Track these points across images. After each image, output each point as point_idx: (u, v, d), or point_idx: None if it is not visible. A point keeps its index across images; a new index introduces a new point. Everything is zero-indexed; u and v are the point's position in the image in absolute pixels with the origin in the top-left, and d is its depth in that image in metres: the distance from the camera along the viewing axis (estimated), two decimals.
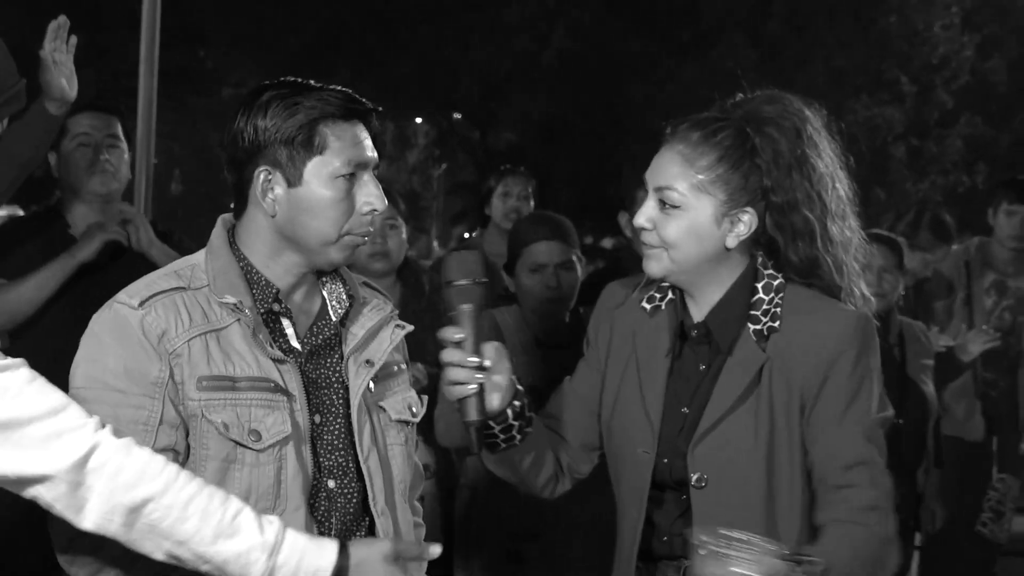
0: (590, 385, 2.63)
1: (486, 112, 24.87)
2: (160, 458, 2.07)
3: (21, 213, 4.55)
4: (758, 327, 2.42)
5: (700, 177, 2.40)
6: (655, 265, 2.46)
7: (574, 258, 3.98)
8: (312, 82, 2.33)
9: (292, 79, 2.33)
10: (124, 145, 4.19)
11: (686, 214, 2.40)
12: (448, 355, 2.35)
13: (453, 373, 2.35)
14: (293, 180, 2.28)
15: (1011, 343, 6.06)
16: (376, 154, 2.34)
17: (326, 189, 2.28)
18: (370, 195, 2.32)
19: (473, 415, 2.37)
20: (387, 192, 4.25)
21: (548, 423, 2.65)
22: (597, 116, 20.05)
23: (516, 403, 2.44)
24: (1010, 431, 6.10)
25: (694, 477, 2.40)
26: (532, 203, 5.70)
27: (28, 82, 3.56)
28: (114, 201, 4.16)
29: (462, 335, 2.34)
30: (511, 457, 2.51)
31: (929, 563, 6.07)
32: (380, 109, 2.38)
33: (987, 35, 21.08)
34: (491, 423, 2.41)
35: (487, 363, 2.36)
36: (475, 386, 2.35)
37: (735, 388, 2.41)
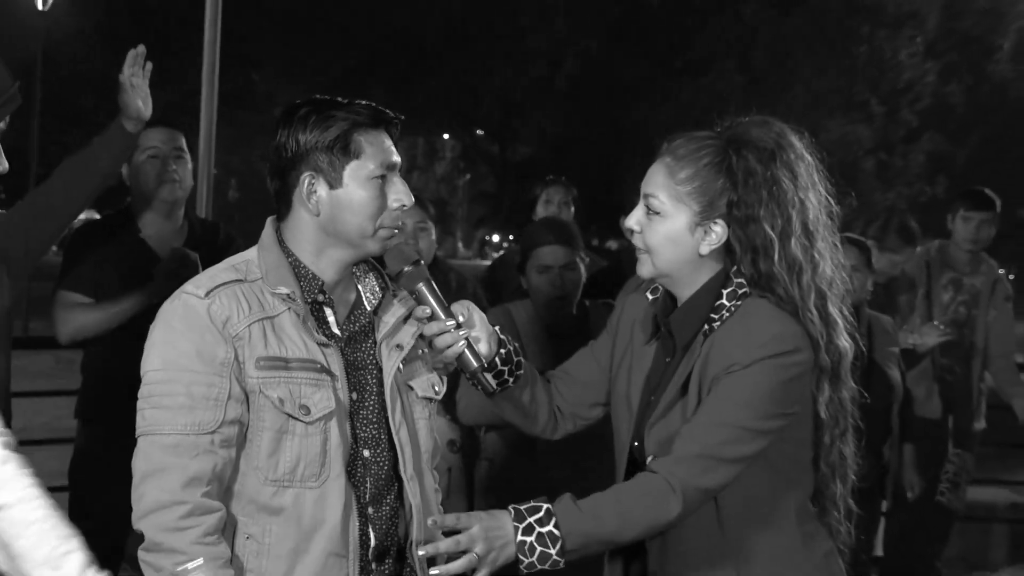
0: (605, 352, 2.62)
1: (505, 129, 24.88)
2: (28, 480, 2.07)
3: (97, 216, 4.57)
4: (707, 328, 2.38)
5: (679, 188, 2.37)
6: (643, 268, 2.45)
7: (577, 260, 3.96)
8: (339, 98, 2.34)
9: (321, 97, 2.34)
10: (188, 156, 4.18)
11: (665, 221, 2.38)
12: (428, 329, 2.37)
13: (439, 341, 2.36)
14: (334, 183, 2.29)
15: (965, 334, 6.05)
16: (399, 158, 2.35)
17: (363, 189, 2.29)
18: (399, 192, 2.33)
19: (473, 364, 2.38)
20: (418, 198, 4.27)
21: (554, 375, 2.65)
22: (603, 133, 20.05)
23: (502, 350, 2.45)
24: (964, 412, 6.08)
25: (649, 458, 2.38)
26: (572, 209, 5.53)
27: (109, 103, 3.57)
28: (179, 207, 4.16)
29: (428, 309, 2.36)
30: (510, 396, 2.51)
31: (893, 528, 6.06)
32: (402, 118, 2.39)
33: (947, 63, 21.03)
34: (488, 369, 2.42)
35: (461, 319, 2.37)
36: (463, 341, 2.37)
37: (679, 380, 2.39)
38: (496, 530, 2.19)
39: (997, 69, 21.16)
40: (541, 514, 2.21)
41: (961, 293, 6.05)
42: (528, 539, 2.20)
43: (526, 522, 2.20)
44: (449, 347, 2.36)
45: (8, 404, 3.72)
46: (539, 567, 2.20)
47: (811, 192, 2.40)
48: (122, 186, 4.18)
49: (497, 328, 2.46)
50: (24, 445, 5.54)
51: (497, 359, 2.44)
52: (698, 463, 2.25)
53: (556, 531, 2.20)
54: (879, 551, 6.05)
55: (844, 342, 2.40)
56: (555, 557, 2.20)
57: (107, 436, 3.95)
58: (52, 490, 5.10)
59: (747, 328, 2.32)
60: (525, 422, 2.62)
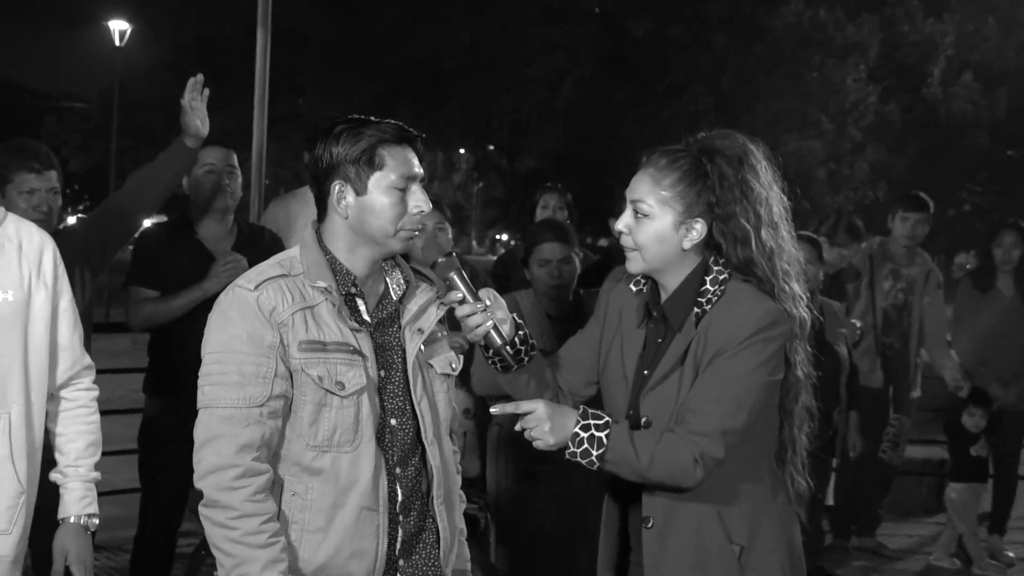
0: (595, 337, 2.61)
1: (513, 144, 24.86)
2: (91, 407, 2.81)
3: (161, 220, 4.59)
4: (698, 311, 2.38)
5: (664, 193, 2.37)
6: (633, 264, 2.44)
7: (573, 255, 3.97)
8: (372, 117, 2.32)
9: (355, 116, 2.33)
10: (238, 171, 4.19)
11: (653, 222, 2.38)
12: (460, 311, 2.37)
13: (470, 321, 2.37)
14: (360, 190, 2.27)
15: (903, 316, 6.03)
16: (421, 170, 2.33)
17: (385, 196, 2.27)
18: (418, 200, 2.30)
19: (498, 342, 2.39)
20: (436, 202, 4.27)
21: (552, 359, 2.64)
22: (595, 147, 20.03)
23: (520, 332, 2.45)
24: (903, 382, 6.07)
25: (644, 421, 2.39)
26: (567, 212, 5.48)
27: (176, 125, 3.58)
28: (230, 213, 4.15)
29: (461, 293, 2.36)
30: (524, 374, 2.50)
31: (842, 482, 6.05)
32: (424, 135, 2.37)
33: (886, 86, 20.96)
34: (509, 346, 2.42)
35: (488, 303, 2.38)
36: (490, 322, 2.37)
37: (673, 356, 2.39)
38: (560, 416, 2.28)
39: (929, 91, 21.10)
40: (601, 423, 2.29)
41: (900, 282, 6.03)
42: (582, 435, 2.27)
43: (588, 422, 2.28)
44: (479, 326, 2.36)
45: None
46: (576, 459, 2.28)
47: (772, 190, 2.43)
48: (183, 195, 4.20)
49: (514, 315, 2.45)
50: (106, 415, 5.57)
51: (516, 339, 2.44)
52: (712, 438, 2.27)
53: (605, 440, 2.27)
54: (830, 501, 6.04)
55: (806, 313, 2.43)
56: (593, 458, 2.27)
57: (169, 407, 3.95)
58: (128, 453, 5.14)
59: (740, 309, 2.33)
60: (535, 396, 2.60)
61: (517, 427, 2.31)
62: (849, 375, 5.26)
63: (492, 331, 2.38)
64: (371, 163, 2.25)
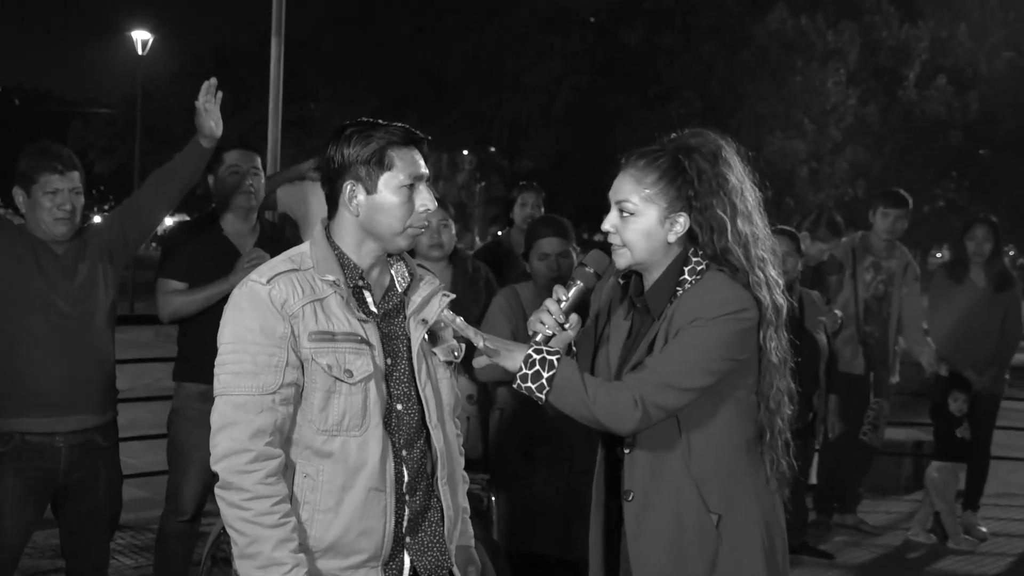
0: (591, 332, 2.60)
1: (513, 147, 24.84)
2: None
3: (188, 218, 4.58)
4: (673, 298, 2.38)
5: (647, 191, 2.37)
6: (621, 260, 2.43)
7: (570, 249, 3.96)
8: (381, 120, 2.31)
9: (366, 119, 2.32)
10: (262, 173, 4.17)
11: (639, 219, 2.38)
12: (549, 303, 2.38)
13: (544, 316, 2.38)
14: (370, 189, 2.26)
15: (883, 306, 6.02)
16: (428, 170, 2.32)
17: (394, 196, 2.26)
18: (425, 199, 2.30)
19: (540, 341, 2.39)
20: (441, 200, 4.26)
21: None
22: (591, 150, 20.00)
23: (556, 358, 2.37)
24: (883, 368, 6.06)
25: None
26: (542, 209, 5.55)
27: (196, 130, 3.57)
28: (253, 212, 4.14)
29: (565, 299, 2.38)
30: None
31: (825, 462, 6.05)
32: (429, 138, 2.36)
33: (865, 89, 20.92)
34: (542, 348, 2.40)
35: (568, 328, 2.40)
36: (550, 331, 2.38)
37: (649, 339, 2.39)
38: (512, 344, 2.32)
39: (905, 94, 21.05)
40: (554, 349, 2.32)
41: (880, 274, 6.03)
42: (534, 356, 2.29)
43: (540, 347, 2.31)
44: (544, 324, 2.38)
45: (114, 368, 3.71)
46: (528, 383, 2.29)
47: (745, 183, 2.43)
48: (208, 194, 4.19)
49: (574, 346, 2.45)
50: (131, 401, 5.58)
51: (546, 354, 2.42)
52: (658, 386, 2.27)
53: (555, 363, 2.28)
54: (813, 480, 6.04)
55: (781, 299, 2.42)
56: (544, 380, 2.28)
57: (196, 394, 3.95)
58: (152, 437, 5.11)
59: (709, 293, 2.32)
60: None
61: (478, 356, 2.33)
62: (828, 361, 5.25)
63: (541, 335, 2.38)
64: (381, 164, 2.25)
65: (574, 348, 2.48)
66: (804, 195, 20.17)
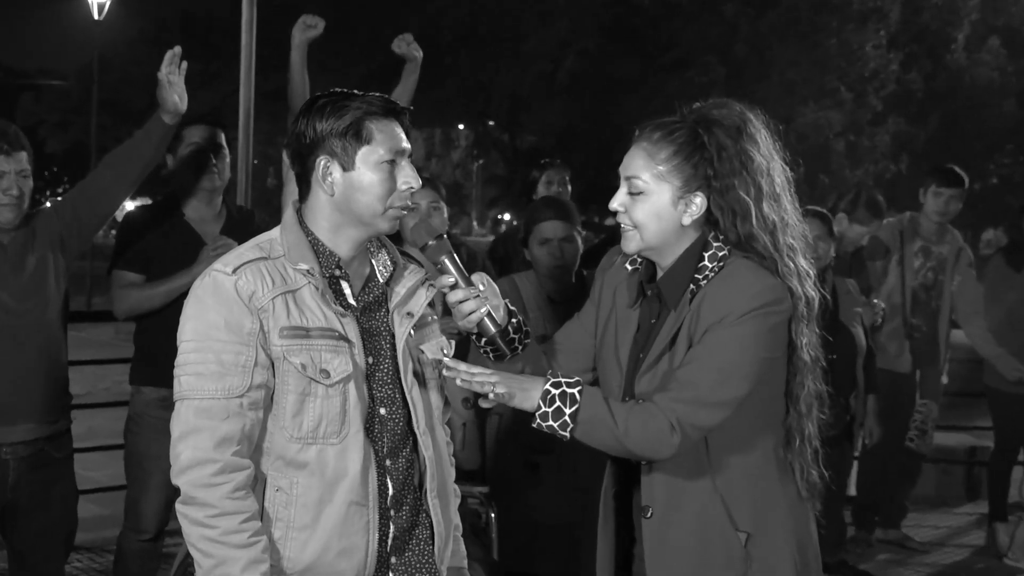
0: (591, 320, 2.60)
1: (513, 120, 24.83)
2: None
3: (149, 201, 4.57)
4: (693, 287, 2.37)
5: (660, 168, 2.36)
6: (630, 244, 2.42)
7: (575, 233, 3.95)
8: (355, 91, 2.30)
9: (338, 89, 2.31)
10: (226, 151, 4.17)
11: (649, 198, 2.36)
12: (452, 296, 2.34)
13: (464, 306, 2.34)
14: (347, 166, 2.25)
15: (932, 296, 6.00)
16: (410, 145, 2.32)
17: (373, 172, 2.25)
18: (408, 176, 2.29)
19: (491, 329, 2.36)
20: (430, 180, 4.25)
21: (547, 347, 2.63)
22: (599, 123, 19.99)
23: (513, 320, 2.43)
24: (930, 366, 6.04)
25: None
26: (569, 188, 5.45)
27: (155, 100, 3.57)
28: (218, 195, 4.13)
29: (453, 278, 2.34)
30: (518, 362, 2.48)
31: (863, 471, 6.04)
32: (411, 108, 2.36)
33: (908, 53, 20.88)
34: (503, 334, 2.39)
35: (482, 288, 2.36)
36: (485, 308, 2.35)
37: (666, 336, 2.37)
38: (525, 380, 2.29)
39: (953, 58, 21.01)
40: (573, 380, 2.28)
41: (930, 260, 6.01)
42: (553, 391, 2.26)
43: (559, 379, 2.28)
44: (472, 312, 2.33)
45: (66, 371, 3.71)
46: (549, 421, 2.25)
47: (773, 161, 2.41)
48: (166, 176, 4.18)
49: (507, 301, 2.44)
50: (89, 408, 5.59)
51: (510, 327, 2.42)
52: (694, 403, 2.26)
53: (578, 396, 2.25)
54: (852, 491, 6.04)
55: (813, 291, 2.41)
56: (566, 417, 2.25)
57: (155, 399, 3.94)
58: (112, 448, 5.11)
59: (737, 284, 2.31)
60: None
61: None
62: (866, 357, 5.24)
63: (486, 318, 2.35)
64: (358, 137, 2.24)
65: (511, 307, 2.44)
66: (840, 172, 20.14)
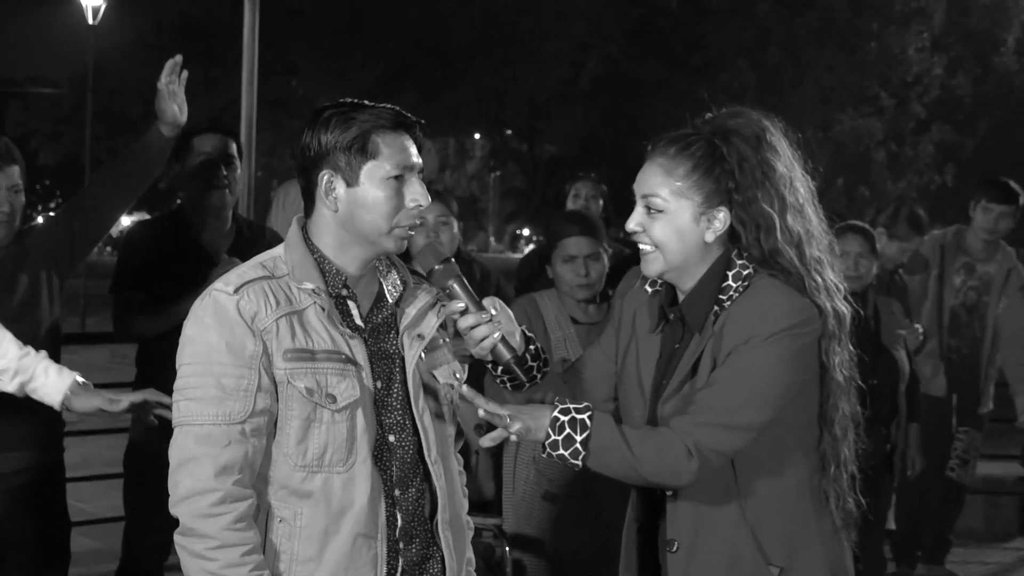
0: (611, 345, 2.61)
1: (532, 129, 24.87)
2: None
3: (148, 218, 4.58)
4: (717, 309, 2.38)
5: (678, 184, 2.37)
6: (652, 266, 2.43)
7: (601, 250, 3.95)
8: (365, 102, 2.33)
9: (347, 100, 2.33)
10: (238, 162, 4.14)
11: (669, 216, 2.38)
12: (463, 322, 2.34)
13: (476, 332, 2.34)
14: (351, 181, 2.27)
15: (974, 318, 5.97)
16: (420, 160, 2.33)
17: (379, 189, 2.27)
18: (416, 193, 2.30)
19: (506, 355, 2.36)
20: (439, 193, 4.27)
21: (568, 375, 2.64)
22: (624, 131, 20.00)
23: (531, 347, 2.44)
24: (970, 393, 6.00)
25: None
26: (600, 203, 5.48)
27: (153, 109, 3.59)
28: (228, 209, 4.11)
29: (463, 303, 2.34)
30: (537, 392, 2.49)
31: (903, 503, 6.01)
32: (423, 122, 2.37)
33: (953, 57, 20.83)
34: (520, 361, 2.40)
35: (494, 312, 2.36)
36: (498, 333, 2.35)
37: (690, 360, 2.38)
38: (535, 409, 2.29)
39: (1002, 61, 20.94)
40: (582, 406, 2.29)
41: (973, 279, 5.95)
42: (562, 418, 2.27)
43: (567, 406, 2.28)
44: (484, 338, 2.34)
45: None
46: (559, 450, 2.26)
47: (795, 171, 2.43)
48: (172, 188, 4.17)
49: (524, 327, 2.45)
50: (82, 435, 5.60)
51: (527, 354, 2.43)
52: (714, 427, 2.27)
53: (588, 422, 2.26)
54: (891, 525, 6.01)
55: (843, 307, 2.41)
56: (577, 444, 2.25)
57: (158, 426, 3.96)
58: (109, 477, 5.12)
59: (762, 304, 2.32)
60: None
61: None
62: (909, 383, 5.23)
63: (500, 344, 2.35)
64: (364, 151, 2.26)
65: (528, 333, 2.46)
66: (881, 183, 20.09)
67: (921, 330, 5.55)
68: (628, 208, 2.48)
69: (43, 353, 3.03)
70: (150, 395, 3.00)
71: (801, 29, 19.97)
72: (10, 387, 3.02)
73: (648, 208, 2.40)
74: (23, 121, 32.20)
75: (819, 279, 2.38)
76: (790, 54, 19.96)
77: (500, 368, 2.42)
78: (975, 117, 20.99)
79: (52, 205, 41.28)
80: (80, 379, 3.01)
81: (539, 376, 2.48)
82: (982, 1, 20.96)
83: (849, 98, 19.87)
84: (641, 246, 2.43)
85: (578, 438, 2.25)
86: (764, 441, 2.33)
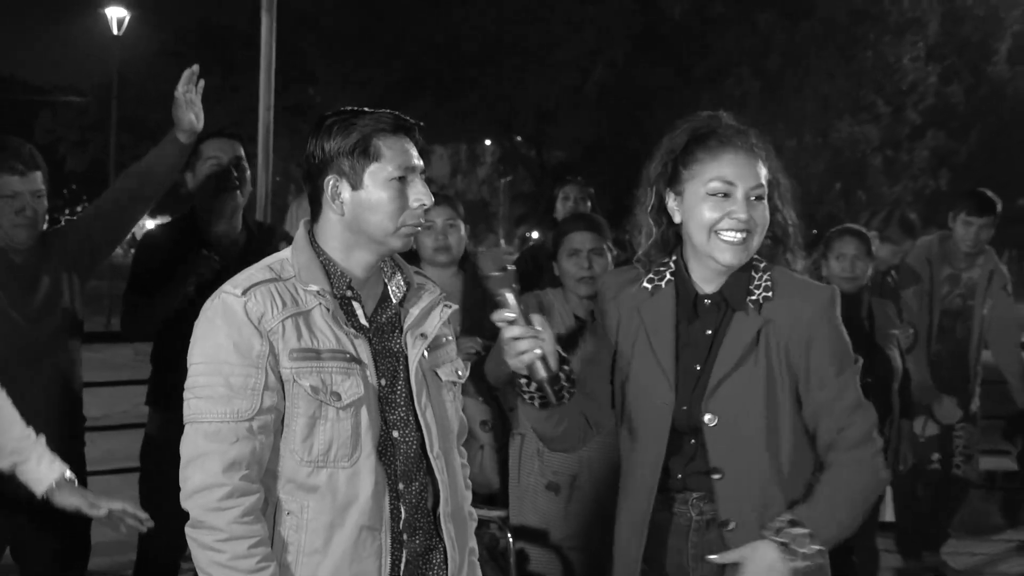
0: (604, 358, 2.59)
1: (541, 134, 24.85)
2: None
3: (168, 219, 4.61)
4: (753, 298, 2.42)
5: (763, 170, 2.45)
6: (746, 254, 2.43)
7: (605, 247, 3.97)
8: (365, 109, 2.34)
9: (349, 108, 2.35)
10: (246, 165, 4.18)
11: (765, 204, 2.44)
12: (509, 331, 2.34)
13: (519, 344, 2.34)
14: (355, 184, 2.29)
15: (959, 323, 5.94)
16: (421, 161, 2.34)
17: (382, 190, 2.29)
18: (419, 193, 2.32)
19: (542, 373, 2.36)
20: (446, 197, 4.28)
21: (585, 401, 2.61)
22: (629, 136, 19.97)
23: (565, 367, 2.44)
24: (957, 392, 5.95)
25: (708, 418, 2.40)
26: (589, 204, 5.51)
27: (168, 112, 3.61)
28: (238, 211, 4.15)
29: (513, 314, 2.34)
30: (562, 412, 2.48)
31: (900, 496, 6.01)
32: (422, 124, 2.37)
33: (947, 66, 20.77)
34: (553, 380, 2.39)
35: (539, 330, 2.36)
36: (539, 350, 2.34)
37: (738, 347, 2.40)
38: (753, 551, 2.36)
39: (995, 70, 20.88)
40: (785, 521, 2.36)
41: (958, 287, 5.94)
42: (783, 540, 2.35)
43: (775, 526, 2.36)
44: (525, 352, 2.34)
45: (80, 392, 3.76)
46: (806, 562, 2.35)
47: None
48: (187, 194, 4.19)
49: (558, 348, 2.44)
50: (104, 430, 5.61)
51: (561, 374, 2.42)
52: (873, 436, 2.43)
53: (805, 536, 2.35)
54: (886, 517, 6.00)
55: None
56: (812, 548, 2.35)
57: (173, 421, 3.97)
58: (128, 471, 5.16)
59: (804, 296, 2.42)
60: (570, 433, 2.59)
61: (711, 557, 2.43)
62: (902, 381, 5.23)
63: (538, 361, 2.35)
64: (366, 154, 2.28)
65: (563, 353, 2.46)
66: (877, 188, 20.04)
67: (912, 331, 5.55)
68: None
69: (42, 438, 3.00)
70: (129, 506, 2.95)
71: (801, 38, 19.93)
72: (4, 463, 2.98)
73: (757, 197, 2.42)
74: (52, 128, 32.27)
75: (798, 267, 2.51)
76: (790, 62, 19.93)
77: (533, 385, 2.42)
78: (968, 124, 20.93)
79: (78, 209, 41.38)
80: (68, 474, 2.97)
81: (567, 397, 2.46)
82: (975, 12, 20.92)
83: (847, 105, 19.83)
84: (737, 236, 2.40)
85: (813, 547, 2.35)
86: (791, 423, 2.42)
